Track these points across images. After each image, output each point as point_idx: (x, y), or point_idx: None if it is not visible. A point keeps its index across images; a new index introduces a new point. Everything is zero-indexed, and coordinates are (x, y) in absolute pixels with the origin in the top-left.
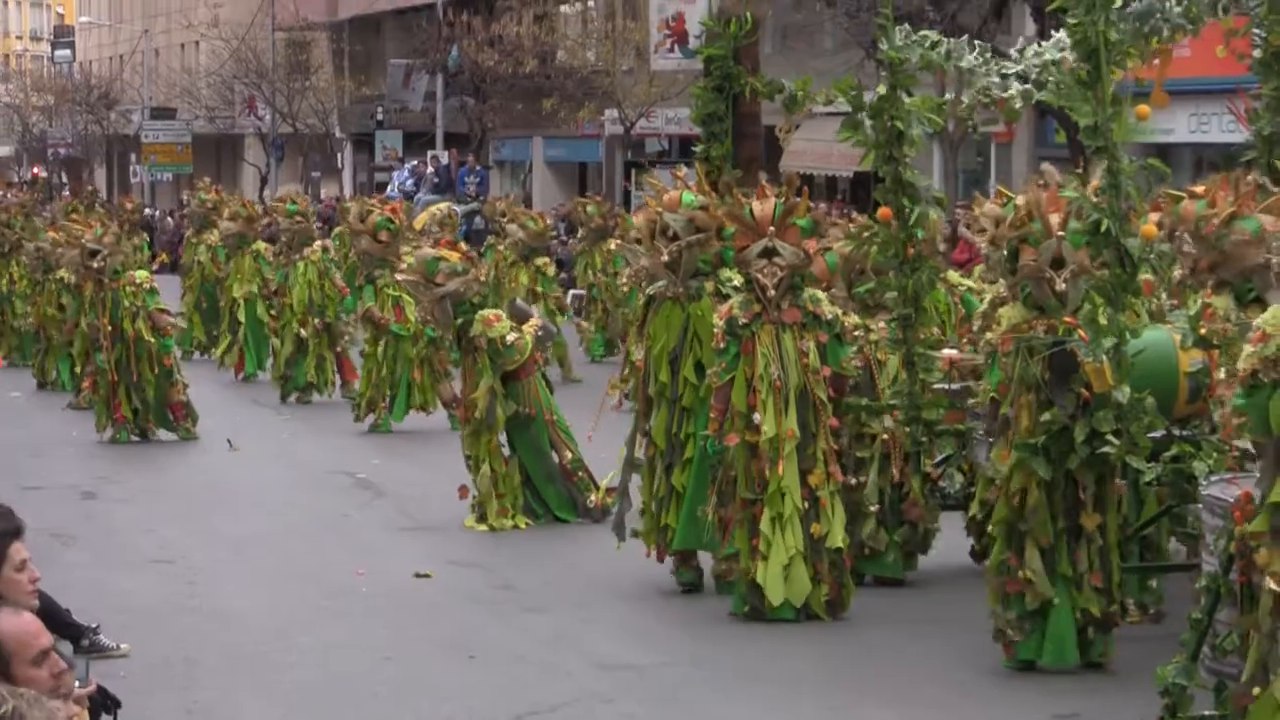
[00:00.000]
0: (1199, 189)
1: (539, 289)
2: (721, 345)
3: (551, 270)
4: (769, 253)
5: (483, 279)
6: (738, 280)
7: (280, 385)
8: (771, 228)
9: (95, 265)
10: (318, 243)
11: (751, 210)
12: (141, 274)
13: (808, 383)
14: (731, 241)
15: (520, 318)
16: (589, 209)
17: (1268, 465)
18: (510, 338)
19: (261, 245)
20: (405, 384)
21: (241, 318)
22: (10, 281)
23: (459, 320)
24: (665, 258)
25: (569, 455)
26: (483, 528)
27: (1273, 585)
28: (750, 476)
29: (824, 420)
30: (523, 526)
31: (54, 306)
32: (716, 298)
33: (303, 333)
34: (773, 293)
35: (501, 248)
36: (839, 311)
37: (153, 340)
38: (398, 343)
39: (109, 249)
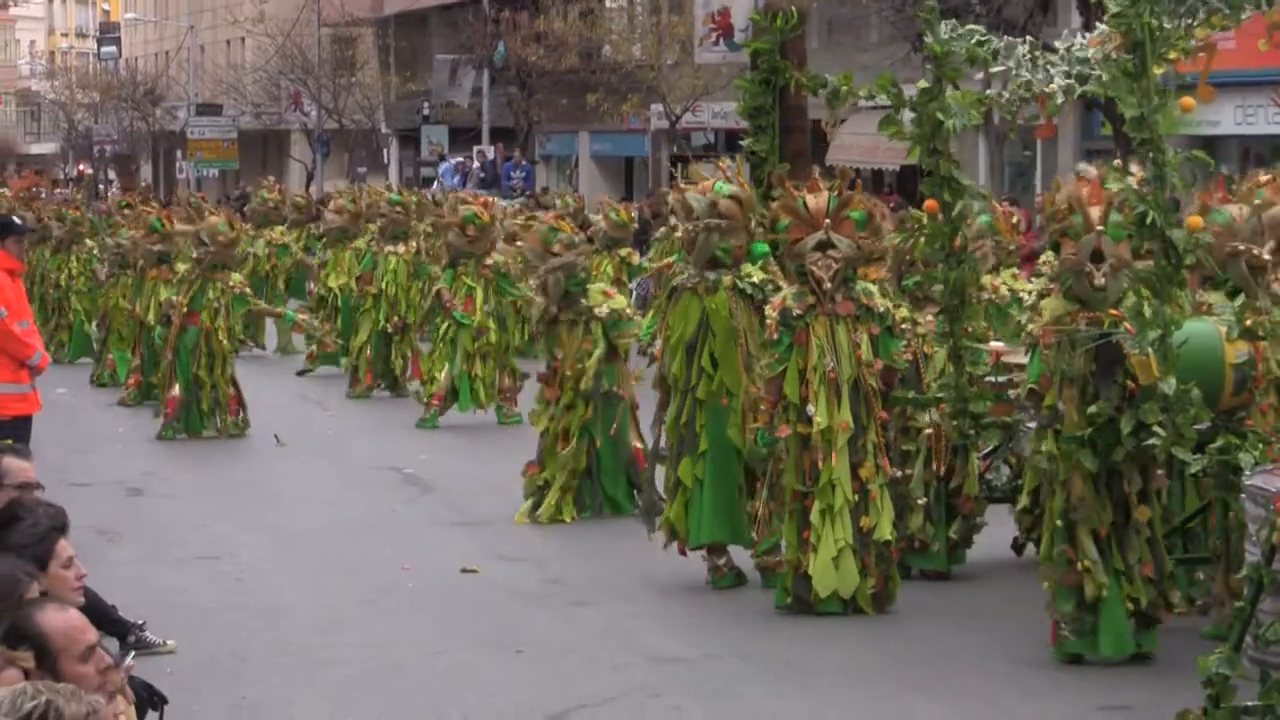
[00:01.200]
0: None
1: (624, 278)
2: (775, 336)
3: (636, 258)
4: (824, 245)
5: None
6: (757, 276)
7: (350, 374)
8: (827, 220)
9: (197, 255)
10: (414, 241)
11: (805, 203)
12: (236, 277)
13: (861, 375)
14: (785, 234)
15: None
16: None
17: None
18: (628, 312)
19: (361, 242)
20: (467, 376)
21: (340, 305)
22: (69, 276)
23: (567, 292)
24: (680, 234)
25: (640, 444)
26: (528, 520)
27: None
28: (801, 468)
29: (875, 413)
30: (569, 520)
31: (126, 299)
32: (734, 293)
33: (388, 327)
34: (828, 285)
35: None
36: (890, 304)
37: (226, 344)
38: (458, 330)
39: (218, 247)
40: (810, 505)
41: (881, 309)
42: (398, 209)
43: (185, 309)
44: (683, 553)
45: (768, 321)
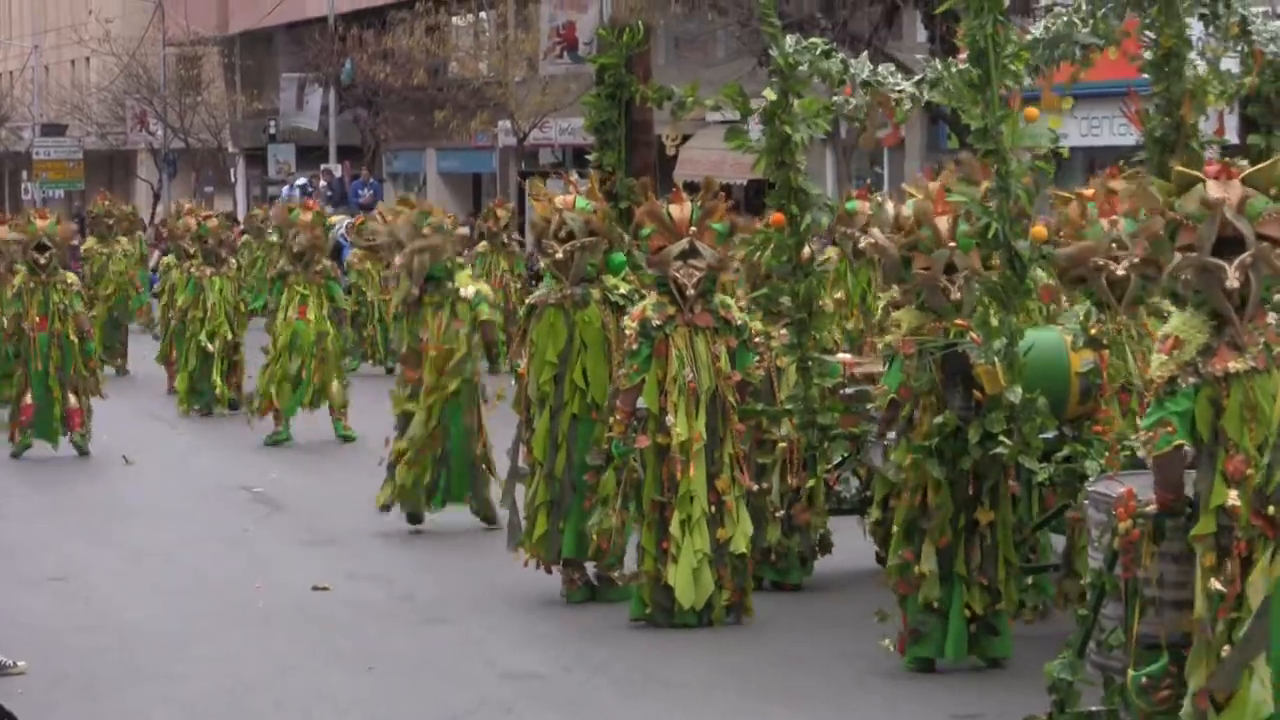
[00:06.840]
0: (1087, 191)
1: None
2: (634, 347)
3: None
4: (688, 254)
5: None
6: (624, 288)
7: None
8: (692, 228)
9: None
10: (231, 259)
11: (669, 212)
12: (70, 276)
13: (719, 387)
14: (645, 242)
15: None
16: (499, 213)
17: (1204, 468)
18: (485, 308)
19: (178, 273)
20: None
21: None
22: None
23: (432, 276)
24: (559, 256)
25: (480, 447)
26: (386, 492)
27: (1218, 587)
28: (660, 479)
29: (732, 425)
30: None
31: None
32: (604, 305)
33: (208, 346)
34: (691, 292)
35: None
36: (747, 318)
37: (76, 341)
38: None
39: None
40: (670, 516)
41: (739, 322)
42: (218, 229)
43: (35, 317)
44: (548, 570)
45: (626, 332)
